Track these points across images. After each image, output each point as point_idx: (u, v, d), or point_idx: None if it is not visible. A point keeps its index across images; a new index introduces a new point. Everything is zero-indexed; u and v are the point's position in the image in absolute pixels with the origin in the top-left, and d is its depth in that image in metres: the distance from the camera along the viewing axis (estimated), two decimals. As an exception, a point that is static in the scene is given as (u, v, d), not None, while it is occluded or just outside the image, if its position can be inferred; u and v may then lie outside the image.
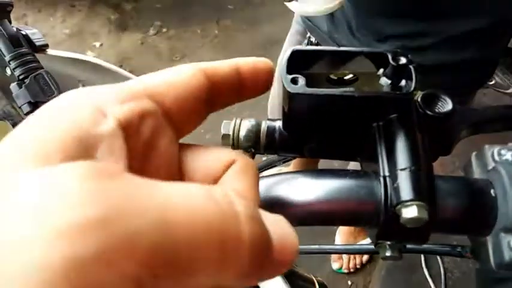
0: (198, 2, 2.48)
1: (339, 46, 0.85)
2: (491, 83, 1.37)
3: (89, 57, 0.52)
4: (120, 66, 2.13)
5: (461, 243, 0.32)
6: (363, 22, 0.79)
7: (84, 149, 0.14)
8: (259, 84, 0.20)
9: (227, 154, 0.19)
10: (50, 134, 0.13)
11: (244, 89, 0.20)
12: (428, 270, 1.36)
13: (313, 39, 0.97)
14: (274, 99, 1.18)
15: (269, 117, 1.24)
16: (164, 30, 2.36)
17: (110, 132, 0.15)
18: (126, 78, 0.66)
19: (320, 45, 0.95)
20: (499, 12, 0.67)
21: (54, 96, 0.45)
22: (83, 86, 0.55)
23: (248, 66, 0.20)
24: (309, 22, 0.94)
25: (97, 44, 2.32)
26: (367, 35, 0.80)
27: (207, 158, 0.19)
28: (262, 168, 0.47)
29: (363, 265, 1.45)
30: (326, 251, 0.31)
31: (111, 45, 2.31)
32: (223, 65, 0.19)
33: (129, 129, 0.16)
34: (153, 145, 0.17)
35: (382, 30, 0.77)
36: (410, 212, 0.23)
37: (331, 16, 0.85)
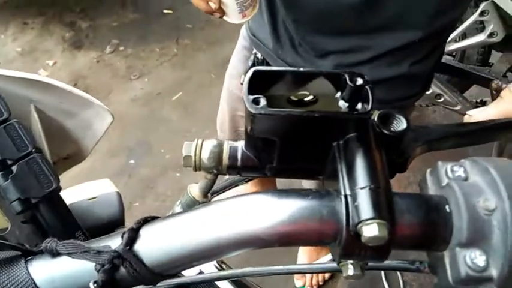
0: (156, 21, 2.46)
1: (284, 63, 0.86)
2: (440, 100, 1.45)
3: (41, 76, 0.50)
4: (75, 85, 2.06)
5: (420, 258, 0.32)
6: (303, 38, 0.80)
7: None
8: None
9: None
10: None
11: None
12: (388, 284, 1.39)
13: (259, 55, 0.95)
14: (223, 115, 1.13)
15: (218, 133, 1.20)
16: (121, 48, 2.32)
17: None
18: (80, 98, 0.63)
19: (266, 60, 0.93)
20: (429, 25, 0.71)
21: (4, 118, 0.42)
22: (35, 106, 0.53)
23: None
24: (254, 38, 0.92)
25: (50, 63, 2.24)
26: (309, 51, 0.81)
27: None
28: (224, 189, 0.47)
29: (325, 281, 1.46)
30: (291, 271, 0.31)
31: (65, 64, 2.24)
32: None
33: None
34: None
35: (322, 47, 0.79)
36: (371, 230, 0.23)
37: (276, 33, 0.85)
